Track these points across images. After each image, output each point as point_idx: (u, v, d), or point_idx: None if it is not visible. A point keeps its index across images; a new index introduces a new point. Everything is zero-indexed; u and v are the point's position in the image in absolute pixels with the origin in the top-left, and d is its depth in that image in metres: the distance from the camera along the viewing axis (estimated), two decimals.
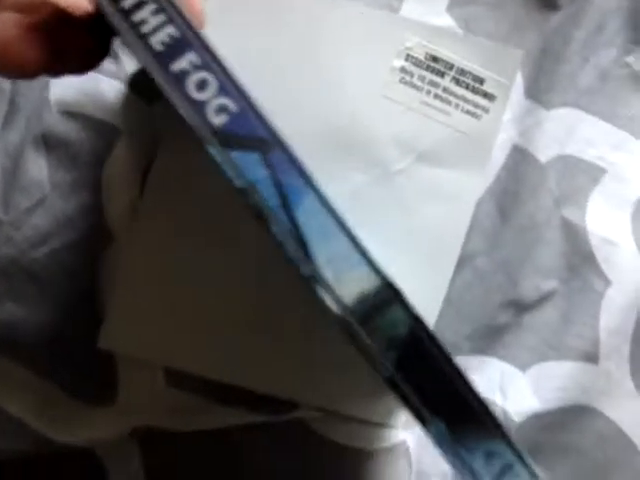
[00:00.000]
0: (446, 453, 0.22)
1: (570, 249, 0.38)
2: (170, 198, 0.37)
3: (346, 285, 0.21)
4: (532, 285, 0.38)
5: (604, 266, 0.38)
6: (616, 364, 0.38)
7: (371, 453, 0.38)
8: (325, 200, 0.21)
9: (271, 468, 0.39)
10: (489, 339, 0.38)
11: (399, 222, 0.38)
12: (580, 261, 0.38)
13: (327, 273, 0.21)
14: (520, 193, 0.38)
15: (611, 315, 0.38)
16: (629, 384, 0.39)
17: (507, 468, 0.23)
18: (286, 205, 0.21)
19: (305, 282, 0.21)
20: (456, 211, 0.38)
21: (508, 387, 0.38)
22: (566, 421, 0.39)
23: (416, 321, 0.22)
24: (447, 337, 0.38)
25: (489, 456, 0.23)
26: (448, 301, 0.38)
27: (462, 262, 0.38)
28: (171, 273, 0.37)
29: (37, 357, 0.38)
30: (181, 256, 0.37)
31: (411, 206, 0.38)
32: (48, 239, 0.38)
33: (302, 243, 0.21)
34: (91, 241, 0.38)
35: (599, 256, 0.38)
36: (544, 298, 0.38)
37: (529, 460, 0.23)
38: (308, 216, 0.21)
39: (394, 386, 0.22)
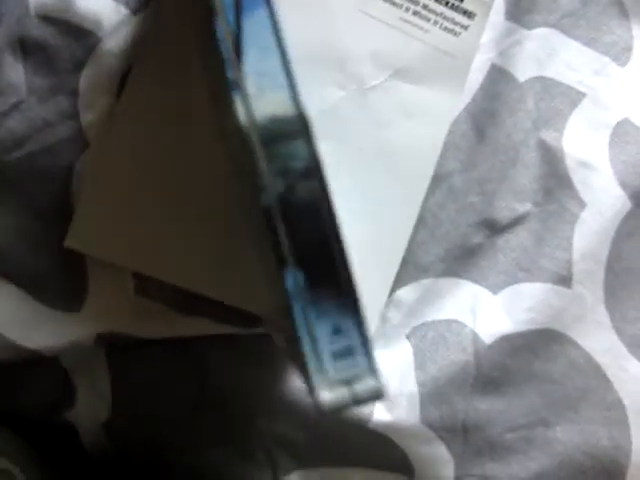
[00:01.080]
0: (294, 311, 0.22)
1: (546, 171, 0.38)
2: (145, 105, 0.37)
3: (264, 102, 0.21)
4: (507, 206, 0.38)
5: (580, 188, 0.38)
6: (590, 290, 0.38)
7: None
8: (275, 21, 0.21)
9: (236, 383, 0.38)
10: (462, 261, 0.38)
11: (373, 138, 0.38)
12: (556, 184, 0.38)
13: (250, 84, 0.21)
14: (497, 112, 0.38)
15: (585, 238, 0.38)
16: (602, 312, 0.38)
17: (349, 351, 0.23)
18: (238, 7, 0.21)
19: (225, 86, 0.21)
20: (431, 129, 0.37)
21: (479, 309, 0.38)
22: (537, 346, 0.38)
23: (315, 163, 0.22)
24: (421, 258, 0.38)
25: (336, 332, 0.22)
26: (422, 221, 0.38)
27: (436, 181, 0.38)
28: (142, 177, 0.37)
29: (6, 260, 0.38)
30: (153, 161, 0.37)
31: (385, 123, 0.38)
32: (23, 143, 0.38)
33: (238, 47, 0.21)
34: (67, 146, 0.38)
35: (575, 179, 0.38)
36: (518, 220, 0.38)
37: (374, 353, 0.23)
38: (254, 26, 0.21)
39: (269, 219, 0.21)
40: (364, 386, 0.23)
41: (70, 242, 0.37)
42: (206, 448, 0.40)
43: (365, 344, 0.23)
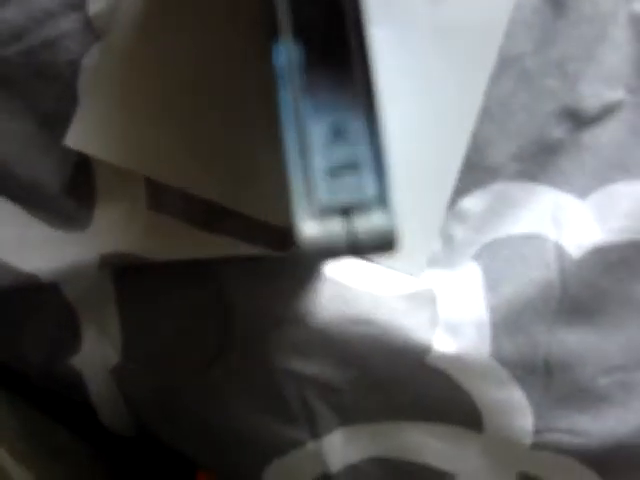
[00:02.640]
0: (280, 98, 0.15)
1: None
2: None
3: None
4: (594, 93, 0.31)
5: None
6: None
7: (385, 300, 0.31)
8: None
9: (265, 317, 0.32)
10: (540, 160, 0.31)
11: (426, 15, 0.31)
12: None
13: None
14: None
15: None
16: None
17: (352, 166, 0.15)
18: None
19: None
20: (493, 1, 0.31)
21: (564, 218, 0.31)
22: (636, 263, 0.31)
23: None
24: (487, 158, 0.31)
25: (337, 134, 0.15)
26: (487, 113, 0.31)
27: (504, 65, 0.31)
28: (151, 71, 0.32)
29: (4, 173, 0.33)
30: (168, 58, 0.32)
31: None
32: (22, 36, 0.33)
33: None
34: (72, 40, 0.33)
35: None
36: (608, 110, 0.31)
37: (389, 173, 0.15)
38: None
39: None
40: (367, 222, 0.15)
41: (70, 140, 0.32)
42: (230, 399, 0.33)
43: (377, 157, 0.15)
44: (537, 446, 0.32)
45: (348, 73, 0.15)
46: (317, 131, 0.15)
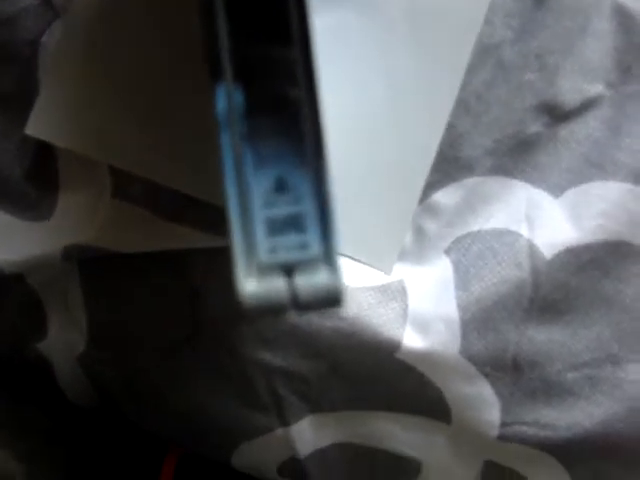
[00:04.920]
0: (221, 148, 0.14)
1: (623, 43, 0.30)
2: None
3: None
4: (572, 87, 0.30)
5: None
6: None
7: (355, 293, 0.31)
8: None
9: (233, 305, 0.31)
10: (515, 155, 0.30)
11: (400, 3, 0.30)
12: (635, 59, 0.30)
13: None
14: None
15: None
16: None
17: (295, 221, 0.15)
18: None
19: None
20: None
21: (537, 215, 0.30)
22: (608, 262, 0.30)
23: None
24: (462, 152, 0.31)
25: (280, 187, 0.14)
26: (463, 105, 0.30)
27: (481, 55, 0.30)
28: (114, 56, 0.31)
29: None
30: (130, 39, 0.30)
31: None
32: None
33: None
34: (31, 17, 0.31)
35: None
36: (587, 105, 0.30)
37: (334, 228, 0.14)
38: None
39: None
40: (310, 279, 0.15)
41: (31, 129, 0.31)
42: (198, 384, 0.33)
43: (323, 212, 0.15)
44: (503, 438, 0.32)
45: (294, 120, 0.14)
46: (259, 183, 0.14)
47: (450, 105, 0.30)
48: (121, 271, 0.32)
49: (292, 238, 0.15)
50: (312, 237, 0.15)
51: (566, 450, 0.32)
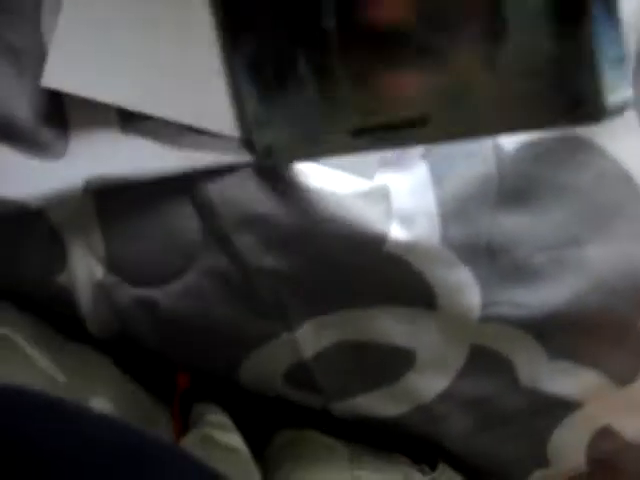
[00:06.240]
0: None
1: None
2: None
3: None
4: None
5: None
6: None
7: (345, 199, 0.34)
8: None
9: (231, 212, 0.35)
10: None
11: None
12: None
13: None
14: None
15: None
16: (634, 117, 0.35)
17: None
18: None
19: None
20: None
21: None
22: (563, 155, 0.35)
23: None
24: None
25: None
26: None
27: None
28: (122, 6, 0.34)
29: None
30: None
31: None
32: None
33: None
34: None
35: None
36: None
37: None
38: None
39: None
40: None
41: (47, 81, 0.34)
42: (207, 299, 0.36)
43: None
44: (485, 319, 0.36)
45: None
46: None
47: None
48: (133, 198, 0.36)
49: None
50: None
51: (541, 328, 0.36)
